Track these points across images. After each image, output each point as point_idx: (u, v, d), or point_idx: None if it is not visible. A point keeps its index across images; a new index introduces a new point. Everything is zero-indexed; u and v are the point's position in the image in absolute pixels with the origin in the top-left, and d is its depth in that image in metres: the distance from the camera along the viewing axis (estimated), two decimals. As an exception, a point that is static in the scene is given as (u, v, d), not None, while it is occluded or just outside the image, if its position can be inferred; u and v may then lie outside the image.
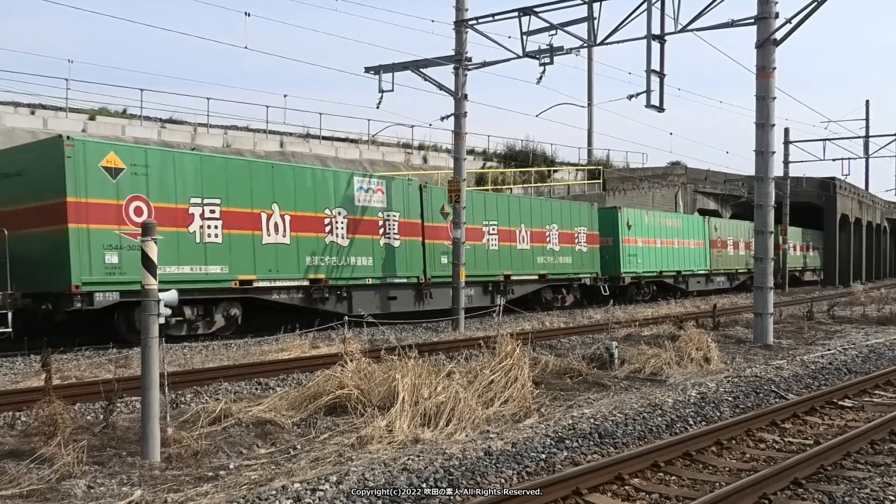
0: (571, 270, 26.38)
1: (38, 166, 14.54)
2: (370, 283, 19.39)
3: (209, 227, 16.08)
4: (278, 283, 17.41)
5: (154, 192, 15.15)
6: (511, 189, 36.60)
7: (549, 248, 25.50)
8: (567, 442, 7.40)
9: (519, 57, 18.47)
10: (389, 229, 19.95)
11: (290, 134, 32.76)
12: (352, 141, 34.91)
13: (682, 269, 32.69)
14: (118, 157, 14.73)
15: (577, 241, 26.71)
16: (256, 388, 10.62)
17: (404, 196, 20.55)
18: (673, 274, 32.06)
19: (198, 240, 15.81)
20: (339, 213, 18.78)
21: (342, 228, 18.76)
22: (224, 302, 16.61)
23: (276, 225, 17.36)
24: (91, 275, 13.98)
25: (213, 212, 16.18)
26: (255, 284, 16.81)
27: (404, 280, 20.24)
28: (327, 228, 18.41)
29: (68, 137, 14.35)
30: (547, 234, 25.41)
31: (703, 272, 34.66)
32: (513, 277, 23.75)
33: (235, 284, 16.41)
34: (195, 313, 16.00)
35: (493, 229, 23.30)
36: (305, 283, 17.88)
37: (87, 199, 14.10)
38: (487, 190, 33.33)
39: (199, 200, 15.93)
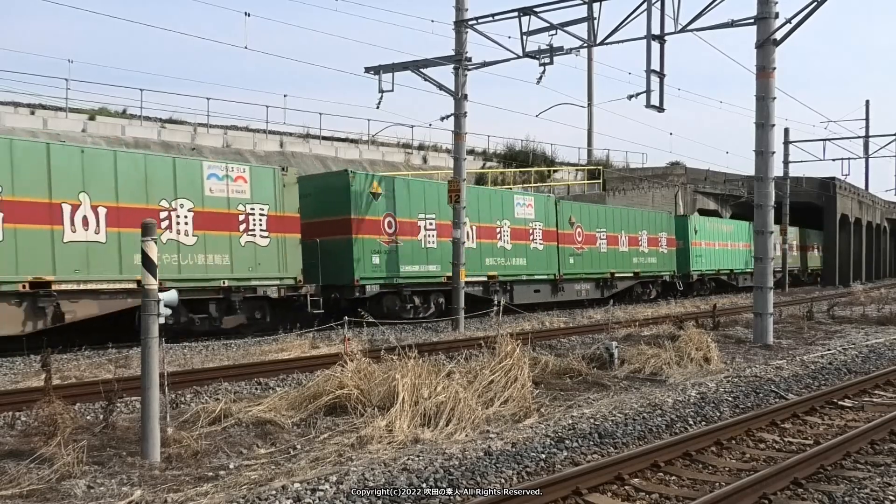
0: (656, 269, 31.43)
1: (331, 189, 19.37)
2: (524, 278, 24.07)
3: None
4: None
5: None
6: (511, 189, 36.57)
7: (641, 251, 30.33)
8: (567, 442, 7.40)
9: (519, 57, 18.47)
10: (536, 235, 24.72)
11: (290, 134, 32.78)
12: (352, 141, 34.92)
13: (734, 268, 38.20)
14: None
15: (660, 244, 31.72)
16: (256, 388, 10.62)
17: (545, 210, 25.26)
18: (727, 272, 37.59)
19: None
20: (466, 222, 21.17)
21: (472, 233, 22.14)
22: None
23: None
24: (364, 272, 19.08)
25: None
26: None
27: (545, 277, 24.89)
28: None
29: (353, 172, 19.45)
30: (639, 238, 30.24)
31: (750, 271, 38.52)
32: (616, 275, 28.60)
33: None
34: None
35: (603, 235, 27.95)
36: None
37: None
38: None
39: None
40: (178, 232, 15.71)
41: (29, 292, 13.66)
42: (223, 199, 16.42)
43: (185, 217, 15.87)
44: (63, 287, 14.03)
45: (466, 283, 19.92)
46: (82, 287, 14.31)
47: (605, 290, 27.89)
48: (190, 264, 15.89)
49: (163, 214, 15.35)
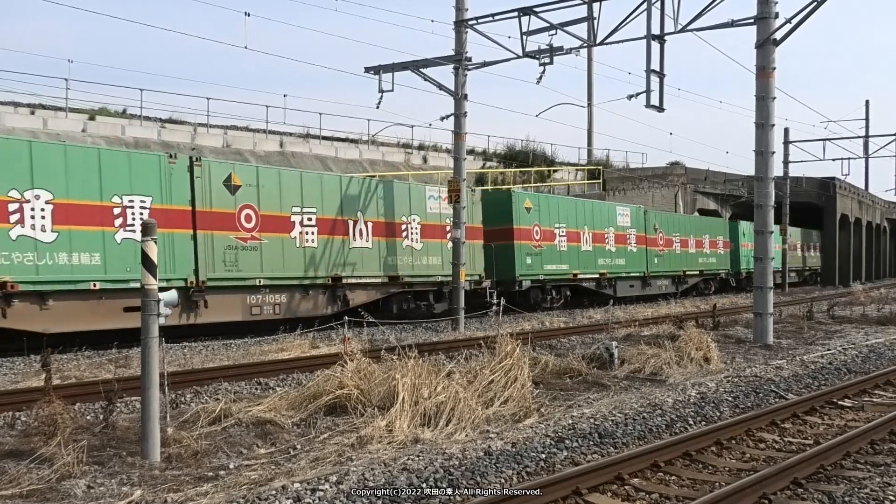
0: (716, 267, 36.97)
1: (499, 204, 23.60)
2: (623, 275, 28.76)
3: None
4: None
5: None
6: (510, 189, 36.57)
7: (705, 252, 35.74)
8: (567, 442, 7.40)
9: (519, 57, 18.48)
10: (631, 240, 29.44)
11: (290, 134, 32.75)
12: (352, 141, 34.90)
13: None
14: None
15: (718, 246, 37.20)
16: (256, 388, 10.62)
17: (637, 218, 29.87)
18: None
19: None
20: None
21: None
22: None
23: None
24: (522, 270, 23.41)
25: None
26: None
27: (638, 274, 29.82)
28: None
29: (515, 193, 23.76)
30: (703, 241, 35.60)
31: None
32: (687, 273, 33.76)
33: None
34: None
35: (678, 239, 33.21)
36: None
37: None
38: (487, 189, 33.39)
39: None
40: (412, 240, 20.53)
41: (329, 285, 18.43)
42: (437, 214, 21.23)
43: (416, 229, 20.67)
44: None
45: (583, 277, 25.89)
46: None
47: (679, 285, 33.29)
48: (419, 264, 20.59)
49: (403, 227, 20.31)
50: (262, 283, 17.03)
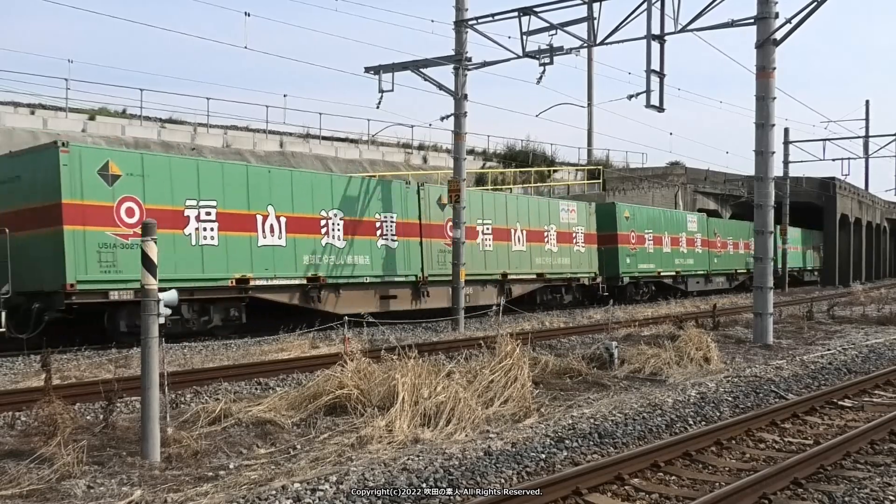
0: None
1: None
2: (692, 273, 34.61)
3: None
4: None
5: None
6: (511, 189, 36.59)
7: (752, 253, 37.18)
8: (567, 442, 7.40)
9: (519, 57, 18.47)
10: (698, 243, 35.04)
11: (290, 134, 32.75)
12: (352, 141, 34.90)
13: (804, 266, 51.46)
14: None
15: (750, 248, 41.96)
16: (256, 388, 10.62)
17: (702, 224, 35.99)
18: (798, 269, 49.15)
19: None
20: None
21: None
22: None
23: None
24: (624, 269, 29.40)
25: None
26: None
27: (703, 272, 35.65)
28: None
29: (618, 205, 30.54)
30: (751, 244, 41.03)
31: (810, 268, 54.11)
32: (738, 271, 39.45)
33: None
34: None
35: (731, 242, 38.86)
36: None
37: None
38: (485, 190, 33.42)
39: None
40: (550, 244, 25.57)
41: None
42: (566, 223, 26.39)
43: (552, 235, 25.72)
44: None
45: (664, 275, 31.96)
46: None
47: (731, 281, 38.91)
48: (554, 263, 25.66)
49: (545, 235, 25.40)
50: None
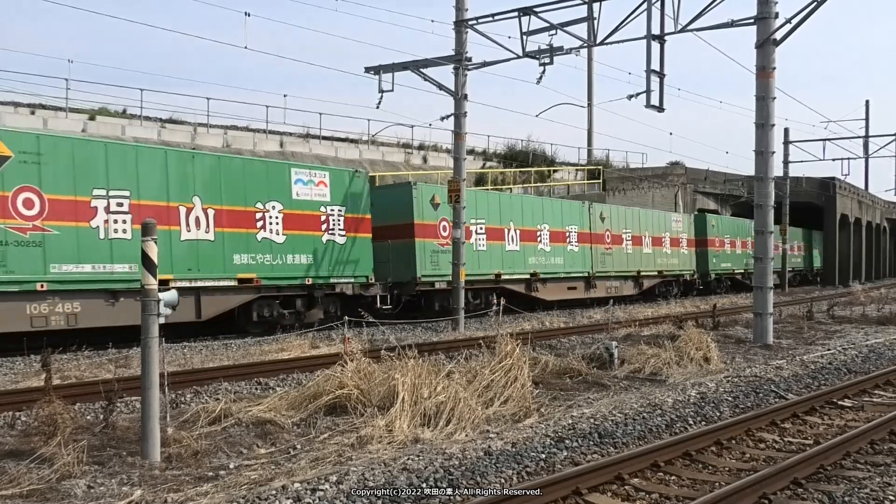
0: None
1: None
2: (732, 272, 38.34)
3: None
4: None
5: None
6: (511, 189, 36.59)
7: (795, 253, 47.16)
8: (567, 442, 7.40)
9: (519, 57, 18.46)
10: (738, 246, 38.63)
11: (290, 134, 32.77)
12: (352, 141, 34.91)
13: (804, 266, 54.29)
14: None
15: (801, 249, 49.73)
16: (256, 388, 10.62)
17: (741, 229, 38.66)
18: (799, 268, 53.08)
19: None
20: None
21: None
22: None
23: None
24: (712, 266, 35.74)
25: None
26: None
27: (741, 271, 38.90)
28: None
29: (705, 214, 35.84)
30: (791, 245, 45.36)
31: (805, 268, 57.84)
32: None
33: None
34: None
35: (779, 244, 42.01)
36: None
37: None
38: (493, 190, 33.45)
39: None
40: (666, 248, 31.91)
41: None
42: (676, 230, 32.27)
43: (667, 241, 31.94)
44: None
45: (737, 272, 37.95)
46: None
47: (781, 279, 41.97)
48: (669, 262, 31.57)
49: (662, 241, 31.67)
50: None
